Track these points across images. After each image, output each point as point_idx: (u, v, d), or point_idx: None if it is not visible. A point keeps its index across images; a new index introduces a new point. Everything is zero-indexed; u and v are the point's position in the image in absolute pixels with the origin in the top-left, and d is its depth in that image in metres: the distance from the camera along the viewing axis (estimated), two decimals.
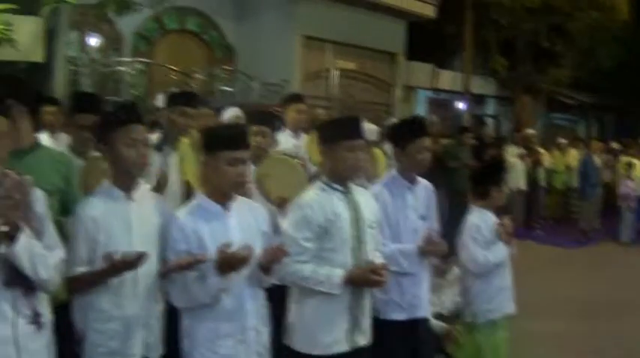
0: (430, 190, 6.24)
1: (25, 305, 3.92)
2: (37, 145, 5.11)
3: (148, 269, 4.46)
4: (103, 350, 4.48)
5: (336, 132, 5.14)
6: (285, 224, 5.24)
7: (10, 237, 3.69)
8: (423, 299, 6.07)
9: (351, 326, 5.13)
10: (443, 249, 5.95)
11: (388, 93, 23.82)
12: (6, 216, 3.67)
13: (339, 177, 5.14)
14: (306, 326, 5.14)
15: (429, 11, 23.39)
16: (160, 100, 9.40)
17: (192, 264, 4.42)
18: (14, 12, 12.31)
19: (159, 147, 6.43)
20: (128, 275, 4.41)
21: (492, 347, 6.82)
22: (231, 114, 8.81)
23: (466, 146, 16.68)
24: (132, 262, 4.26)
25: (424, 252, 5.86)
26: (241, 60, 20.99)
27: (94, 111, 6.12)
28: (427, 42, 24.39)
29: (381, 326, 5.62)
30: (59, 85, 15.10)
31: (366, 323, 5.27)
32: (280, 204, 6.18)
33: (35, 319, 3.97)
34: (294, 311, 5.23)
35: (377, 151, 8.49)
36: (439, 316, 7.76)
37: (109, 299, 4.47)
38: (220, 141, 4.63)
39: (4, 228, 3.66)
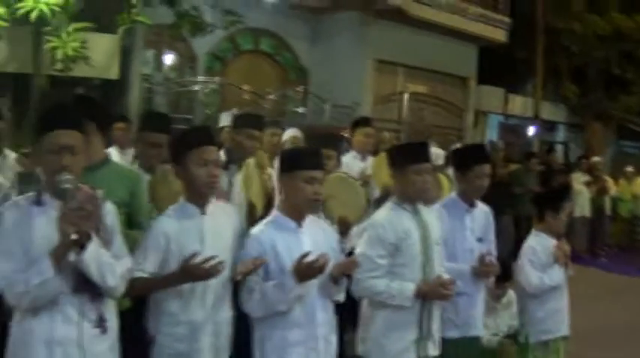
0: (489, 214, 6.38)
1: (91, 310, 4.09)
2: (107, 161, 5.33)
3: (219, 278, 4.57)
4: (170, 352, 4.66)
5: (406, 157, 5.40)
6: (357, 242, 5.50)
7: (81, 246, 3.87)
8: (477, 319, 6.19)
9: (419, 337, 5.35)
10: (495, 271, 6.10)
11: (459, 117, 23.65)
12: (78, 226, 3.83)
13: (408, 198, 5.40)
14: (377, 337, 5.38)
15: (500, 36, 23.29)
16: (223, 120, 9.37)
17: (257, 266, 4.62)
18: (91, 30, 12.55)
19: (225, 166, 6.48)
20: (199, 284, 4.58)
21: None
22: (290, 134, 9.10)
23: (533, 172, 16.52)
24: (208, 269, 4.41)
25: (478, 273, 5.99)
26: (314, 82, 20.97)
27: (163, 131, 6.38)
28: (498, 66, 24.13)
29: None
30: (133, 102, 15.32)
31: (437, 334, 5.49)
32: (341, 222, 6.32)
33: (100, 323, 4.13)
34: (366, 323, 5.48)
35: (441, 176, 8.44)
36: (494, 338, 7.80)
37: (179, 305, 4.65)
38: (299, 161, 4.82)
39: (75, 237, 3.82)
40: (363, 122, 9.53)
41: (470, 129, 23.89)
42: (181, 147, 4.80)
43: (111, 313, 4.26)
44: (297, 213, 4.88)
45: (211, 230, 4.77)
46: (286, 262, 4.69)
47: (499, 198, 6.67)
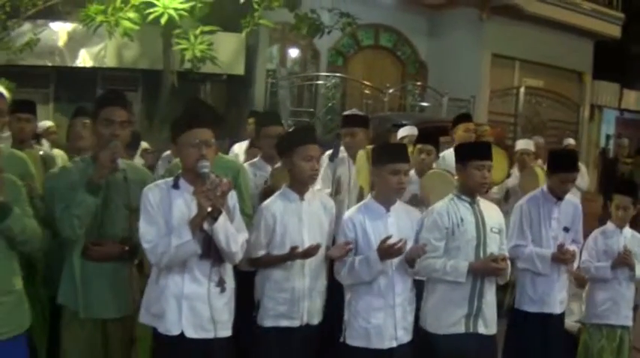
0: (577, 207, 6.83)
1: (214, 273, 4.72)
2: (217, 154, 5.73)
3: (317, 251, 5.36)
4: (273, 313, 5.41)
5: (468, 154, 5.78)
6: (422, 228, 5.79)
7: (213, 218, 4.51)
8: (555, 298, 6.58)
9: (469, 313, 5.63)
10: (572, 259, 6.57)
11: (575, 111, 22.91)
12: (212, 202, 4.47)
13: (468, 190, 5.76)
14: (434, 310, 5.71)
15: (614, 31, 22.57)
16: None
17: (347, 251, 5.32)
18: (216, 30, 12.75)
19: (331, 158, 7.24)
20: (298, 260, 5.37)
21: (597, 352, 6.95)
22: (407, 132, 9.55)
23: None
24: (307, 253, 5.28)
25: (556, 259, 6.45)
26: (432, 76, 20.79)
27: (280, 124, 7.07)
28: (613, 61, 23.25)
29: (515, 315, 6.62)
30: (259, 96, 15.69)
31: (489, 314, 5.73)
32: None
33: (221, 284, 4.76)
34: (427, 298, 5.79)
35: (537, 167, 9.48)
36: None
37: (282, 274, 5.41)
38: (386, 156, 5.45)
39: (210, 210, 4.47)
40: (463, 118, 9.75)
41: (585, 123, 23.22)
42: (289, 143, 5.51)
43: (229, 276, 4.87)
44: (385, 200, 5.48)
45: (308, 213, 5.49)
46: (373, 241, 5.34)
47: None
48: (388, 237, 5.19)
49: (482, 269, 5.62)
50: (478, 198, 5.84)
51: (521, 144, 10.55)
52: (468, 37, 19.95)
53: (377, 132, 10.09)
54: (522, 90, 20.87)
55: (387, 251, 5.18)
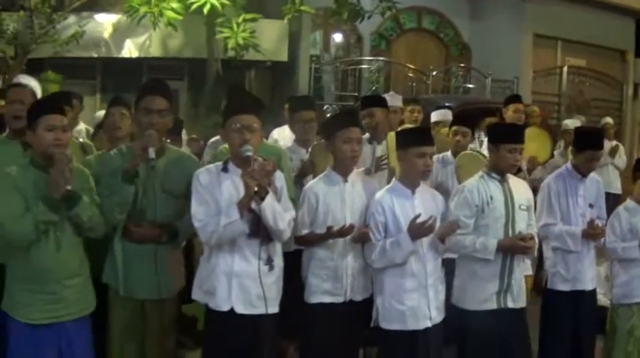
0: (599, 183, 6.87)
1: (263, 251, 4.88)
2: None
3: (352, 231, 5.44)
4: (317, 290, 5.55)
5: (501, 137, 5.93)
6: (452, 205, 5.96)
7: (260, 198, 4.67)
8: (587, 275, 6.62)
9: (500, 289, 5.80)
10: (602, 235, 6.57)
11: (618, 90, 22.42)
12: (258, 182, 4.64)
13: (499, 169, 5.90)
14: (465, 287, 5.90)
15: None
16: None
17: (366, 234, 5.46)
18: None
19: (370, 141, 7.13)
20: (340, 239, 5.47)
21: (627, 331, 6.78)
22: (442, 116, 9.60)
23: None
24: (343, 232, 5.37)
25: (587, 235, 6.47)
26: (475, 57, 20.56)
27: (311, 108, 7.20)
28: None
29: (548, 294, 6.63)
30: (303, 81, 15.64)
31: (518, 289, 5.88)
32: None
33: (269, 262, 4.93)
34: (458, 276, 5.99)
35: None
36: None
37: (325, 253, 5.53)
38: (411, 139, 5.52)
39: (256, 189, 4.63)
40: (513, 99, 9.88)
41: (629, 102, 22.72)
42: (331, 127, 5.66)
43: (277, 255, 5.06)
44: (411, 182, 5.54)
45: (351, 195, 5.59)
46: (402, 223, 5.40)
47: None
48: (417, 216, 5.30)
49: (510, 248, 5.77)
50: (508, 175, 5.98)
51: (568, 122, 10.45)
52: (510, 18, 19.67)
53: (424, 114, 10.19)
54: (565, 69, 20.57)
55: (417, 230, 5.27)
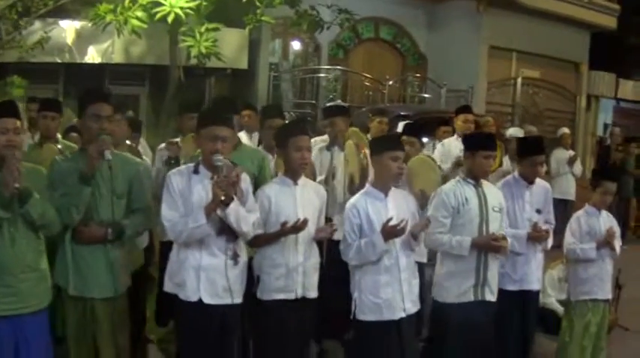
0: (548, 190, 7.34)
1: (229, 248, 5.38)
2: (240, 143, 6.59)
3: (307, 233, 5.83)
4: (270, 287, 5.86)
5: (477, 144, 6.48)
6: (430, 207, 6.51)
7: (226, 204, 5.14)
8: (533, 276, 7.10)
9: (477, 283, 6.33)
10: (546, 237, 6.99)
11: (572, 101, 22.94)
12: (225, 191, 5.12)
13: (474, 175, 6.45)
14: (444, 281, 6.44)
15: (610, 22, 22.50)
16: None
17: (331, 233, 6.04)
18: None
19: (328, 148, 7.71)
20: (291, 236, 5.80)
21: (583, 326, 7.34)
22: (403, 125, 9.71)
23: (632, 156, 16.95)
24: (297, 227, 5.68)
25: (532, 238, 6.93)
26: (431, 67, 20.90)
27: (281, 117, 7.67)
28: (609, 52, 23.27)
29: (498, 294, 6.64)
30: (262, 89, 15.95)
31: (493, 283, 6.44)
32: (422, 194, 7.26)
33: (235, 257, 5.43)
34: (437, 271, 6.56)
35: None
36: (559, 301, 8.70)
37: (277, 251, 5.84)
38: (385, 144, 6.03)
39: (222, 198, 5.11)
40: (463, 109, 10.44)
41: (582, 113, 23.24)
42: (283, 136, 5.98)
43: (242, 250, 5.53)
44: (384, 186, 6.00)
45: (301, 195, 5.94)
46: (375, 224, 5.83)
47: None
48: (389, 219, 5.72)
49: (483, 245, 6.28)
50: (482, 180, 6.51)
51: (511, 131, 11.04)
52: (466, 29, 20.05)
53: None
54: (519, 80, 20.97)
55: (390, 231, 5.70)
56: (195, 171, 5.42)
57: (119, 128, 6.61)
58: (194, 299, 5.35)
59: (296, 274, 5.86)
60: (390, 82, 18.26)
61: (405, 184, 7.23)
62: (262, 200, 5.87)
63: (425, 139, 9.64)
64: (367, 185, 6.28)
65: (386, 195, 6.00)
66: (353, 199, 6.14)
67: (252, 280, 5.89)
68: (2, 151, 4.94)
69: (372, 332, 5.94)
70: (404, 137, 7.85)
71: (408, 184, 7.35)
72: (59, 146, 6.96)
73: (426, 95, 19.35)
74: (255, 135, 9.00)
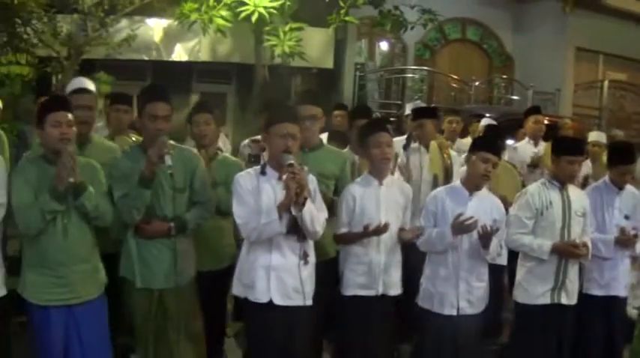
0: (637, 196, 6.87)
1: (300, 248, 5.12)
2: (321, 144, 6.34)
3: (390, 233, 5.67)
4: (353, 283, 5.76)
5: (563, 149, 6.21)
6: (514, 206, 6.32)
7: (302, 203, 4.89)
8: (620, 281, 6.69)
9: (555, 286, 6.11)
10: (634, 241, 6.57)
11: None
12: (299, 191, 4.85)
13: (559, 178, 6.21)
14: (524, 283, 6.25)
15: None
16: (407, 109, 9.66)
17: (417, 235, 5.83)
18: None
19: (404, 147, 7.36)
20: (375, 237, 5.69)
21: None
22: (485, 123, 9.43)
23: None
24: (378, 231, 5.56)
25: (619, 242, 6.53)
26: (518, 69, 20.40)
27: (368, 117, 7.29)
28: None
29: (582, 299, 6.43)
30: (348, 89, 15.74)
31: (572, 287, 6.19)
32: (501, 201, 6.75)
33: (305, 257, 5.16)
34: (518, 273, 6.34)
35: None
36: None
37: (361, 250, 5.73)
38: (480, 144, 5.90)
39: (298, 198, 4.86)
40: (533, 110, 10.05)
41: None
42: (363, 134, 5.87)
43: (311, 250, 5.26)
44: (472, 185, 5.87)
45: (386, 197, 5.77)
46: (450, 217, 5.70)
47: None
48: (460, 214, 5.62)
49: (563, 251, 6.07)
50: (567, 184, 6.27)
51: (593, 136, 10.38)
52: (552, 30, 19.42)
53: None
54: (606, 83, 20.17)
55: (458, 227, 5.58)
56: (263, 173, 5.17)
57: (209, 129, 6.40)
58: (264, 300, 5.12)
59: (378, 272, 5.74)
60: (477, 84, 17.90)
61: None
62: (347, 199, 5.78)
63: (510, 142, 9.34)
64: (457, 181, 6.20)
65: (471, 194, 5.88)
66: (436, 190, 6.17)
67: (334, 277, 5.90)
68: (57, 145, 4.88)
69: (427, 321, 5.91)
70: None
71: (491, 189, 7.06)
72: (133, 138, 6.83)
73: (514, 97, 18.88)
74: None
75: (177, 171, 5.29)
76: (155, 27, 13.37)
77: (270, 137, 5.14)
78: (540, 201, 6.15)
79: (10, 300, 5.17)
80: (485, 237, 5.61)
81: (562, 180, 6.20)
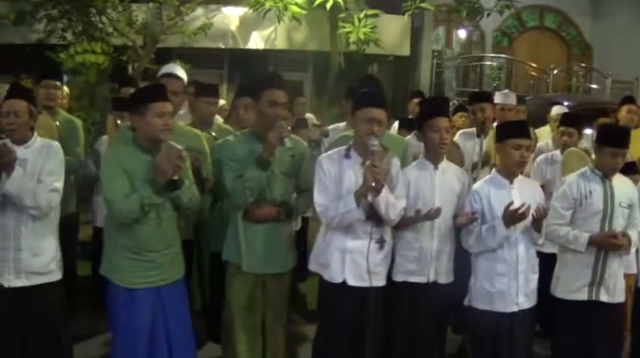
0: None
1: (375, 232, 4.96)
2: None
3: (443, 219, 5.33)
4: (403, 270, 5.40)
5: (605, 139, 5.62)
6: (553, 196, 5.91)
7: (377, 190, 4.72)
8: None
9: (592, 281, 5.57)
10: None
11: None
12: (376, 178, 4.67)
13: (602, 169, 5.66)
14: (560, 276, 5.72)
15: None
16: (496, 98, 8.86)
17: (472, 219, 5.30)
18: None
19: (478, 135, 6.99)
20: (428, 222, 5.33)
21: None
22: (556, 111, 8.95)
23: None
24: (431, 215, 5.24)
25: None
26: (597, 57, 19.65)
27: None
28: None
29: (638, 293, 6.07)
30: (425, 76, 15.23)
31: (613, 283, 5.63)
32: None
33: (380, 241, 5.01)
34: (557, 265, 5.82)
35: None
36: None
37: (412, 235, 5.37)
38: (509, 132, 5.39)
39: (373, 185, 4.68)
40: (627, 99, 9.34)
41: None
42: (424, 117, 5.51)
43: (388, 235, 5.12)
44: (509, 173, 5.42)
45: (441, 181, 5.44)
46: (497, 211, 5.27)
47: None
48: (510, 204, 5.20)
49: (600, 242, 5.58)
50: (611, 175, 5.80)
51: None
52: (631, 17, 18.49)
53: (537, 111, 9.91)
54: None
55: (511, 216, 5.19)
56: (347, 156, 5.05)
57: (247, 114, 6.23)
58: (338, 280, 5.07)
59: (429, 258, 5.43)
60: (555, 72, 17.17)
61: (558, 176, 6.87)
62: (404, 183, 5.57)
63: (588, 131, 8.45)
64: (492, 171, 5.77)
65: (511, 182, 5.46)
66: (476, 185, 5.65)
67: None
68: (160, 135, 4.75)
69: (484, 321, 5.44)
70: (562, 127, 7.46)
71: (562, 176, 6.66)
72: (213, 133, 6.54)
73: (593, 86, 18.14)
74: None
75: (284, 156, 5.26)
76: (231, 15, 13.19)
77: (356, 121, 5.04)
78: (578, 190, 5.68)
79: (66, 283, 5.21)
80: (540, 220, 5.31)
81: (605, 172, 5.69)
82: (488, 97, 7.41)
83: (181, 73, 6.15)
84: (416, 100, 8.97)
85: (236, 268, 5.29)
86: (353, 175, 4.97)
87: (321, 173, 5.05)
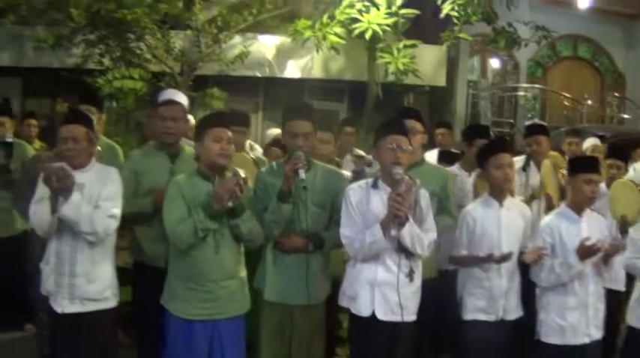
0: None
1: (404, 265, 4.73)
2: (423, 161, 5.89)
3: (511, 257, 5.28)
4: (472, 307, 5.33)
5: None
6: (632, 229, 5.77)
7: (401, 223, 4.55)
8: None
9: None
10: None
11: None
12: (400, 208, 4.49)
13: None
14: (635, 305, 5.57)
15: None
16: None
17: (541, 255, 5.19)
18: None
19: (524, 168, 6.82)
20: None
21: None
22: (590, 143, 9.01)
23: None
24: (503, 258, 5.17)
25: None
26: (629, 87, 19.37)
27: (486, 136, 6.80)
28: None
29: None
30: (460, 106, 15.01)
31: None
32: (622, 220, 6.48)
33: (410, 274, 4.76)
34: (634, 293, 5.66)
35: None
36: None
37: (482, 274, 5.29)
38: (580, 166, 5.34)
39: (398, 215, 4.51)
40: None
41: None
42: (486, 153, 5.41)
43: (418, 268, 4.87)
44: (578, 207, 5.34)
45: (506, 219, 5.34)
46: (568, 244, 5.19)
47: None
48: (586, 239, 5.11)
49: None
50: None
51: None
52: None
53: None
54: None
55: (586, 251, 5.10)
56: (374, 186, 4.88)
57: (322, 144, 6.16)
58: (366, 313, 4.84)
59: (498, 296, 5.35)
60: (589, 102, 16.96)
61: (607, 209, 6.65)
62: (467, 220, 5.40)
63: None
64: (562, 205, 5.62)
65: (580, 216, 5.36)
66: (547, 219, 5.54)
67: (434, 298, 5.42)
68: (217, 159, 4.75)
69: (556, 355, 5.32)
70: (609, 160, 7.36)
71: (611, 209, 6.69)
72: (252, 156, 6.68)
73: (626, 116, 17.86)
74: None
75: (317, 187, 5.13)
76: (267, 44, 12.94)
77: (379, 150, 4.88)
78: None
79: (120, 312, 5.12)
80: (613, 254, 5.26)
81: None
82: (545, 130, 7.15)
83: (181, 98, 6.02)
84: (440, 131, 8.95)
85: (263, 296, 5.20)
86: (381, 205, 4.78)
87: (348, 204, 4.89)
